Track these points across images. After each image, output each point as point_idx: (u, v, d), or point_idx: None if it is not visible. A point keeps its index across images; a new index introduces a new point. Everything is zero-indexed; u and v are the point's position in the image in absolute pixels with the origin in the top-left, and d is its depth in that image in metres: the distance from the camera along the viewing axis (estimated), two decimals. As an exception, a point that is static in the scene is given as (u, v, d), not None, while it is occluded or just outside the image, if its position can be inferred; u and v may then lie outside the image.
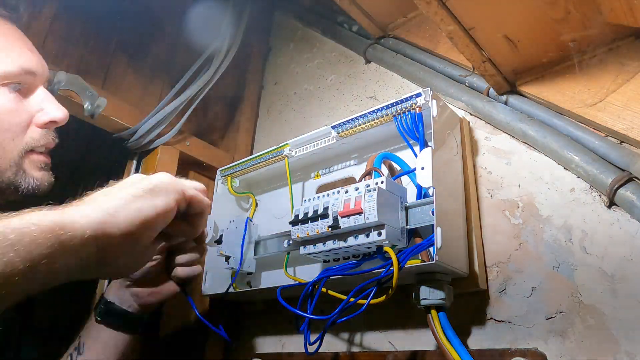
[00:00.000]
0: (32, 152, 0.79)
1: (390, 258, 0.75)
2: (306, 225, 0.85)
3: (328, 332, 1.04)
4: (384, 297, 0.77)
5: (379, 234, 0.77)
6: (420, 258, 0.79)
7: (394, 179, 0.89)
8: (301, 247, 0.88)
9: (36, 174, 0.78)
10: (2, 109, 0.74)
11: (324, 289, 0.83)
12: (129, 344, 0.85)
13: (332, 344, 1.03)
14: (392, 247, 0.78)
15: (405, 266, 0.76)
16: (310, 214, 0.86)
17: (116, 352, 0.84)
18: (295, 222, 0.88)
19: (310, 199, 0.89)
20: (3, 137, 0.74)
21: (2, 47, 0.77)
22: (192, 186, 0.74)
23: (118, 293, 0.85)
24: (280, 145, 1.09)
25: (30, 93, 0.80)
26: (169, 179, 0.68)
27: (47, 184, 0.80)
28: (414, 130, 0.86)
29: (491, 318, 0.83)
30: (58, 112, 0.81)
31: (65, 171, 0.84)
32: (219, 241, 1.11)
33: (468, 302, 0.86)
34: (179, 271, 0.82)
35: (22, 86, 0.78)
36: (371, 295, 0.77)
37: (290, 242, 0.99)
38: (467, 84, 1.01)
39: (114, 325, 0.84)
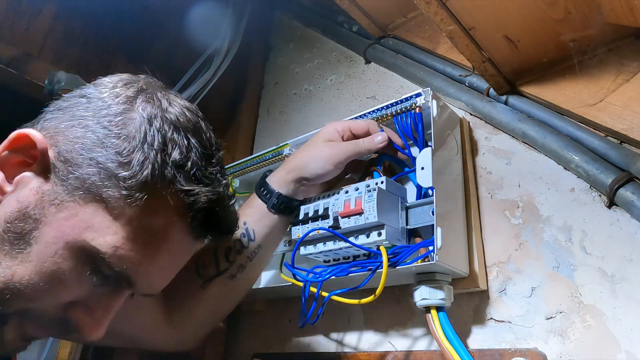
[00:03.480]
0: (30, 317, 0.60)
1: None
2: (306, 225, 0.85)
3: (327, 332, 1.05)
4: (369, 299, 0.78)
5: (379, 234, 0.77)
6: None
7: (394, 179, 0.89)
8: (302, 247, 0.88)
9: (9, 337, 0.60)
10: (59, 274, 0.56)
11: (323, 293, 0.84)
12: (288, 224, 0.94)
13: (332, 344, 1.04)
14: (392, 247, 0.78)
15: (406, 266, 0.77)
16: (310, 214, 0.86)
17: (282, 235, 0.96)
18: (295, 223, 0.88)
19: (309, 199, 0.89)
20: (28, 290, 0.55)
21: (141, 241, 0.59)
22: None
23: (288, 186, 0.91)
24: (281, 145, 1.09)
25: (110, 291, 0.61)
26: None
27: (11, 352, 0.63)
28: (414, 130, 0.86)
29: (491, 318, 0.83)
30: (90, 328, 0.61)
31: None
32: None
33: (468, 302, 0.86)
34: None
35: (103, 282, 0.59)
36: (369, 277, 0.78)
37: (290, 242, 0.99)
38: (467, 84, 1.01)
39: (287, 214, 0.92)
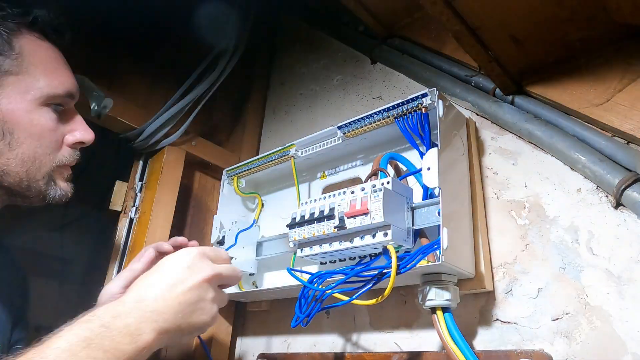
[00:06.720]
0: (61, 165, 0.86)
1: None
2: (312, 225, 0.85)
3: (333, 332, 1.05)
4: (374, 300, 0.77)
5: (385, 235, 0.77)
6: (426, 259, 0.79)
7: (400, 180, 0.89)
8: (306, 248, 0.87)
9: (63, 185, 0.86)
10: (45, 127, 0.81)
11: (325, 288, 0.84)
12: None
13: (338, 344, 1.04)
14: (398, 247, 0.78)
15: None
16: (307, 217, 0.86)
17: None
18: (292, 225, 0.88)
19: (307, 202, 0.89)
20: (42, 151, 0.81)
21: (51, 70, 0.83)
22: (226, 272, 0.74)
23: None
24: (286, 145, 1.09)
25: (66, 113, 0.86)
26: (200, 259, 0.71)
27: (69, 194, 0.87)
28: (420, 130, 0.86)
29: (497, 319, 0.83)
30: (86, 135, 0.88)
31: (72, 172, 0.87)
32: (221, 242, 1.11)
33: (474, 303, 0.86)
34: None
35: (62, 107, 0.85)
36: (359, 292, 0.77)
37: (297, 243, 0.99)
38: (473, 84, 1.00)
39: None
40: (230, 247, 1.09)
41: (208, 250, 0.74)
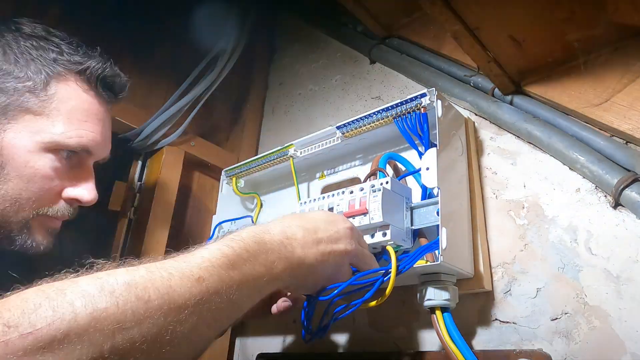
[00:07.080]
0: (45, 215, 0.80)
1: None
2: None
3: (332, 332, 1.04)
4: (374, 302, 0.76)
5: (384, 235, 0.77)
6: (425, 259, 0.79)
7: (399, 180, 0.89)
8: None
9: (38, 237, 0.80)
10: (38, 172, 0.76)
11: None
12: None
13: (336, 344, 1.04)
14: (397, 247, 0.78)
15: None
16: None
17: None
18: None
19: (306, 202, 0.88)
20: (26, 195, 0.76)
21: (75, 120, 0.80)
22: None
23: None
24: (285, 145, 1.09)
25: (79, 167, 0.83)
26: (350, 233, 0.71)
27: (43, 249, 0.82)
28: (419, 130, 0.86)
29: (496, 319, 0.83)
30: (85, 194, 0.83)
31: (60, 227, 0.87)
32: None
33: (473, 303, 0.86)
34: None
35: (73, 154, 0.80)
36: (363, 298, 0.74)
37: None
38: (472, 84, 1.00)
39: None
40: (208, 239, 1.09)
41: (357, 232, 0.74)
